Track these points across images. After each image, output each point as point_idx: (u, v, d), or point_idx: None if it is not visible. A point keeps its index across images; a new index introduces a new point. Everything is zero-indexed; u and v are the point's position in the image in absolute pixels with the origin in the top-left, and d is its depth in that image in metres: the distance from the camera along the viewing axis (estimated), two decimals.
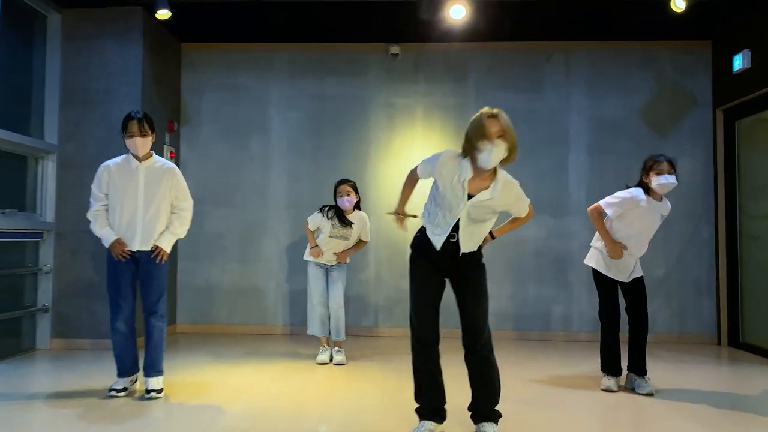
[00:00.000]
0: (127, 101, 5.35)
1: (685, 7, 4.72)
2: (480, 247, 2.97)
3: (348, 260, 4.89)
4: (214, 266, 6.23)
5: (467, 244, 2.87)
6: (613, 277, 3.99)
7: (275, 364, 4.76)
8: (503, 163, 2.81)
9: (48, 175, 5.32)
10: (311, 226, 4.82)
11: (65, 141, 5.35)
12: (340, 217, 4.76)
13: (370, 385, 4.15)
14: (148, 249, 3.68)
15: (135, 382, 3.84)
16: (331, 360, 4.75)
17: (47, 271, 5.24)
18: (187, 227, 3.85)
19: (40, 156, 5.30)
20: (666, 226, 4.53)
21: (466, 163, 2.80)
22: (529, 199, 3.02)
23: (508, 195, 2.88)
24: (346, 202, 4.74)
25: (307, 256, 4.86)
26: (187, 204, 3.83)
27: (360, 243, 4.89)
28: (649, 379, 3.95)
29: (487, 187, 2.81)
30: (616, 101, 6.12)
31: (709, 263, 5.97)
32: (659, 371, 4.44)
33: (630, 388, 3.98)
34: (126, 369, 3.76)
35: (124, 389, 3.72)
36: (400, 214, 3.13)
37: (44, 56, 5.38)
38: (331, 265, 4.81)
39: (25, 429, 3.13)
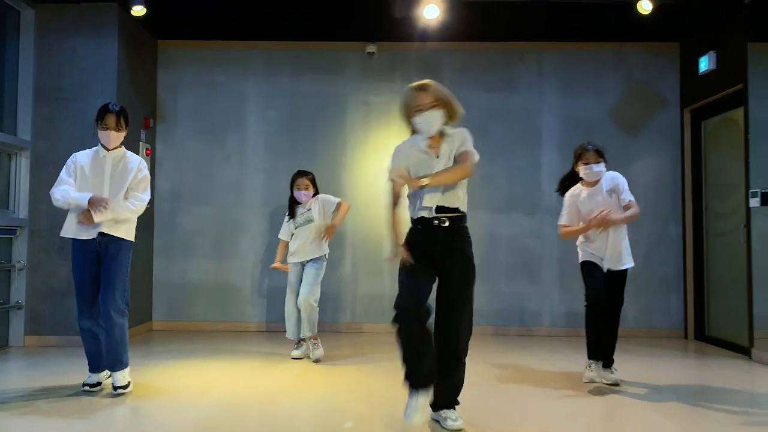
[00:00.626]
0: (102, 98, 5.29)
1: (652, 9, 4.85)
2: (470, 242, 3.02)
3: (327, 249, 4.79)
4: (190, 263, 6.24)
5: (444, 194, 2.94)
6: (598, 262, 4.03)
7: (248, 360, 4.79)
8: (449, 122, 3.00)
9: (21, 171, 5.29)
10: (285, 237, 4.85)
11: (39, 138, 5.33)
12: (291, 208, 4.79)
13: (344, 380, 4.21)
14: (113, 234, 3.64)
15: (109, 376, 3.82)
16: (309, 356, 4.70)
17: (20, 268, 5.22)
18: (136, 213, 3.77)
19: (14, 152, 5.27)
20: (635, 225, 4.66)
21: (417, 136, 3.01)
22: (477, 155, 3.04)
23: (458, 138, 3.01)
24: (303, 195, 4.74)
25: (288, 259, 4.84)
26: (145, 196, 3.80)
27: (340, 210, 4.77)
28: (615, 369, 4.05)
29: (441, 144, 3.00)
30: (588, 101, 6.25)
31: (677, 260, 6.13)
32: (629, 364, 4.55)
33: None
34: (96, 365, 3.77)
35: (98, 384, 3.74)
36: (401, 248, 2.97)
37: (17, 52, 5.35)
38: (307, 260, 4.74)
39: None
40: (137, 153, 5.76)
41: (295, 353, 4.76)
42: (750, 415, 3.44)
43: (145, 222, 6.06)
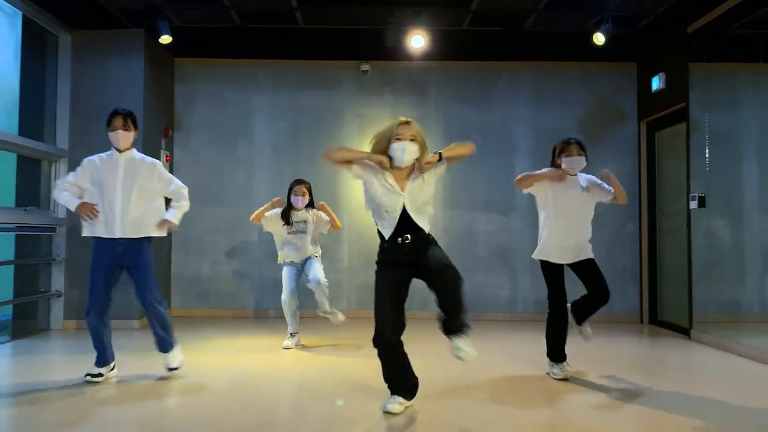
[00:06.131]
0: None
1: (605, 41, 5.65)
2: (430, 235, 3.30)
3: (319, 251, 5.26)
4: (205, 258, 7.02)
5: (415, 224, 3.23)
6: (556, 261, 4.13)
7: (257, 341, 5.58)
8: (418, 160, 3.27)
9: (60, 176, 5.99)
10: (268, 214, 5.15)
11: (75, 147, 6.07)
12: (286, 214, 5.11)
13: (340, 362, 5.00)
14: (131, 237, 3.81)
15: (112, 369, 3.99)
16: (297, 346, 5.11)
17: (60, 261, 5.98)
18: (187, 202, 4.07)
19: (53, 160, 6.04)
20: (598, 222, 5.35)
21: (379, 171, 3.27)
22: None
23: (422, 147, 3.31)
24: (299, 201, 5.10)
25: (280, 260, 5.23)
26: (176, 185, 4.03)
27: (334, 224, 5.22)
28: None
29: (409, 176, 3.28)
30: (556, 113, 7.06)
31: (634, 253, 6.97)
32: (592, 347, 4.86)
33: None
34: (100, 359, 3.89)
35: (99, 375, 3.88)
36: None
37: (56, 72, 6.11)
38: (306, 257, 5.13)
39: (42, 396, 3.89)
40: (159, 159, 6.58)
41: (287, 343, 5.12)
42: (680, 379, 4.28)
43: None
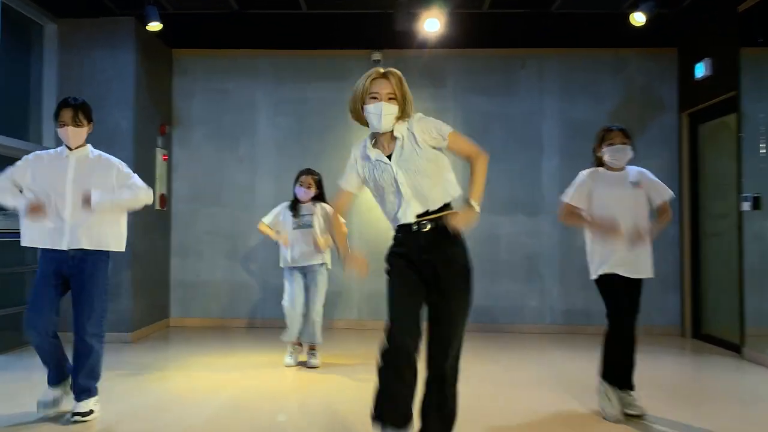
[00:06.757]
0: (120, 106, 5.64)
1: (646, 21, 5.01)
2: (463, 246, 2.57)
3: (328, 256, 4.72)
4: (204, 262, 6.54)
5: (421, 201, 2.53)
6: (614, 271, 3.39)
7: (258, 354, 5.07)
8: (399, 119, 2.55)
9: None
10: (267, 221, 4.75)
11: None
12: (294, 206, 4.68)
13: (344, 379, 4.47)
14: (84, 248, 3.23)
15: (68, 386, 3.41)
16: (305, 363, 4.67)
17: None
18: (135, 199, 3.38)
19: None
20: None
21: (367, 140, 2.64)
22: (450, 127, 2.60)
23: (422, 128, 2.56)
24: (303, 193, 4.65)
25: (283, 263, 4.76)
26: (134, 180, 3.39)
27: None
28: (638, 397, 3.47)
29: (394, 140, 2.57)
30: (587, 105, 6.42)
31: (674, 260, 6.30)
32: None
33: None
34: (54, 378, 3.36)
35: (54, 401, 3.33)
36: (346, 254, 2.69)
37: (41, 64, 5.66)
38: (310, 265, 4.66)
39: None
40: (153, 159, 6.11)
41: (288, 360, 4.69)
42: (735, 415, 3.65)
43: (162, 223, 6.38)
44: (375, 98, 2.52)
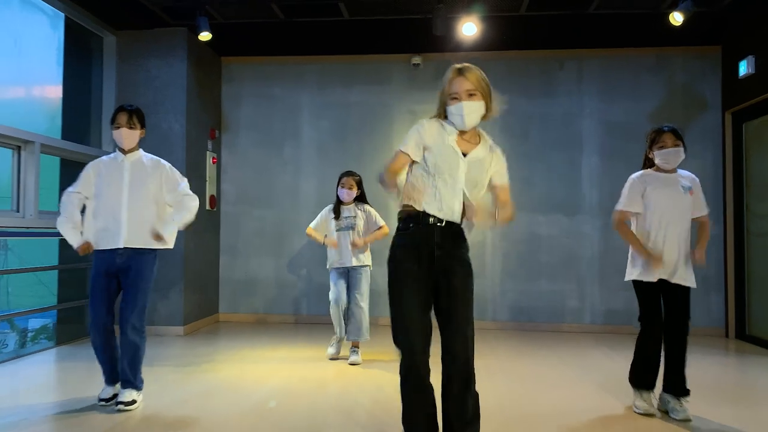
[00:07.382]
0: (173, 112, 5.97)
1: (683, 20, 5.00)
2: (467, 247, 2.60)
3: (369, 258, 4.87)
4: (252, 261, 6.82)
5: (458, 205, 2.54)
6: (649, 277, 3.44)
7: (301, 350, 5.28)
8: (483, 119, 2.57)
9: None
10: (313, 225, 4.96)
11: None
12: (336, 208, 4.85)
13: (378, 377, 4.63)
14: (135, 247, 3.46)
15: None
16: (346, 359, 4.80)
17: None
18: (190, 213, 3.61)
19: None
20: None
21: (448, 125, 2.57)
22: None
23: (499, 160, 2.64)
24: (346, 194, 4.80)
25: (329, 265, 4.91)
26: (181, 191, 3.61)
27: (377, 232, 4.83)
28: (687, 401, 3.44)
29: (477, 144, 2.59)
30: (627, 105, 6.42)
31: (718, 260, 6.22)
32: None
33: (663, 410, 3.51)
34: (109, 377, 3.57)
35: (113, 397, 3.55)
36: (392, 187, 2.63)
37: (101, 73, 6.04)
38: (353, 267, 4.79)
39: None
40: (204, 162, 6.43)
41: (330, 351, 4.92)
42: None
43: (212, 223, 6.70)
44: (456, 98, 2.51)
